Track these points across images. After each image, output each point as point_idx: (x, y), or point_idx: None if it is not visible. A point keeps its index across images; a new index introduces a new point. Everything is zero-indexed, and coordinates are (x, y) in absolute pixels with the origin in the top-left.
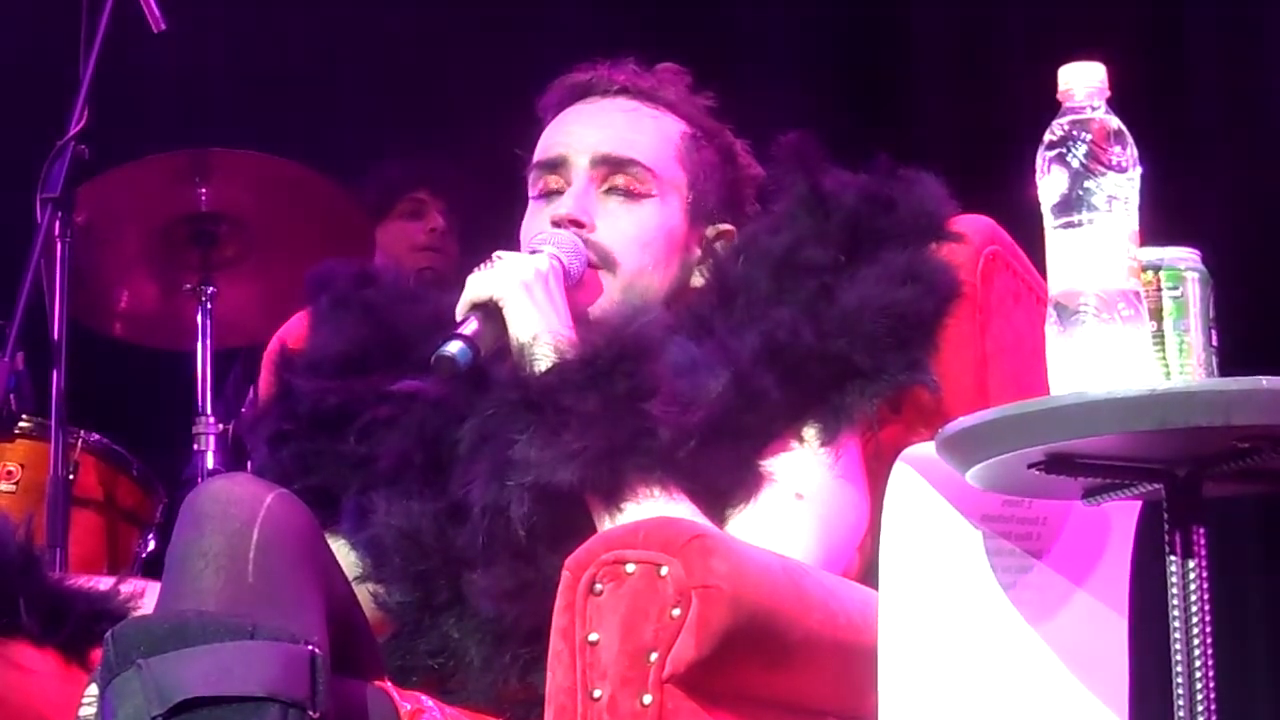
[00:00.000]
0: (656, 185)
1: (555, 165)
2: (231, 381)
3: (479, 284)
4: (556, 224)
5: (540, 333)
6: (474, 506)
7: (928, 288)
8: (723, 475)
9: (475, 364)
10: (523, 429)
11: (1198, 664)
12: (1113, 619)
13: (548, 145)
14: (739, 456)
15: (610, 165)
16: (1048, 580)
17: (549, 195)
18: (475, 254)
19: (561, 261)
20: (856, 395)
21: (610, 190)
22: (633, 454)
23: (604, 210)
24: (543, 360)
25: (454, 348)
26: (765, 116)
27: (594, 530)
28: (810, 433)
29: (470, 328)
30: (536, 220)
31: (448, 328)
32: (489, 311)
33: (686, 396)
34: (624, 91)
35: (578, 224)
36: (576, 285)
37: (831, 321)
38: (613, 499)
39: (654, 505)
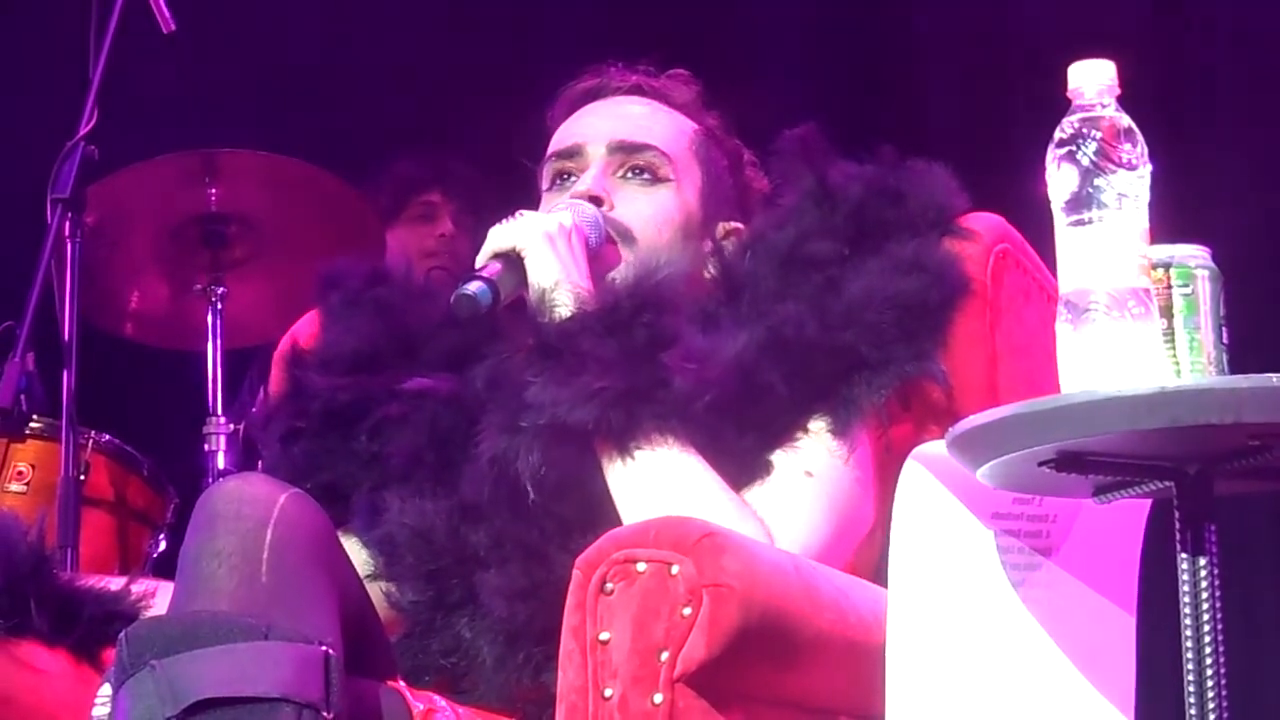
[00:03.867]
0: (673, 171)
1: (571, 154)
2: (246, 383)
3: (501, 234)
4: (576, 199)
5: (561, 281)
6: (483, 457)
7: (934, 278)
8: (733, 457)
9: (494, 309)
10: (538, 372)
11: (1209, 661)
12: (1121, 617)
13: (562, 137)
14: (747, 444)
15: (627, 151)
16: (1056, 578)
17: (564, 184)
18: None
19: (582, 228)
20: (864, 387)
21: (628, 175)
22: (649, 400)
23: (622, 193)
24: (562, 308)
25: (474, 287)
26: (772, 114)
27: (607, 505)
28: (819, 424)
29: (491, 270)
30: (552, 206)
31: (468, 272)
32: (510, 261)
33: (705, 350)
34: (636, 90)
35: (597, 200)
36: (595, 256)
37: (837, 314)
38: (626, 444)
39: (667, 455)
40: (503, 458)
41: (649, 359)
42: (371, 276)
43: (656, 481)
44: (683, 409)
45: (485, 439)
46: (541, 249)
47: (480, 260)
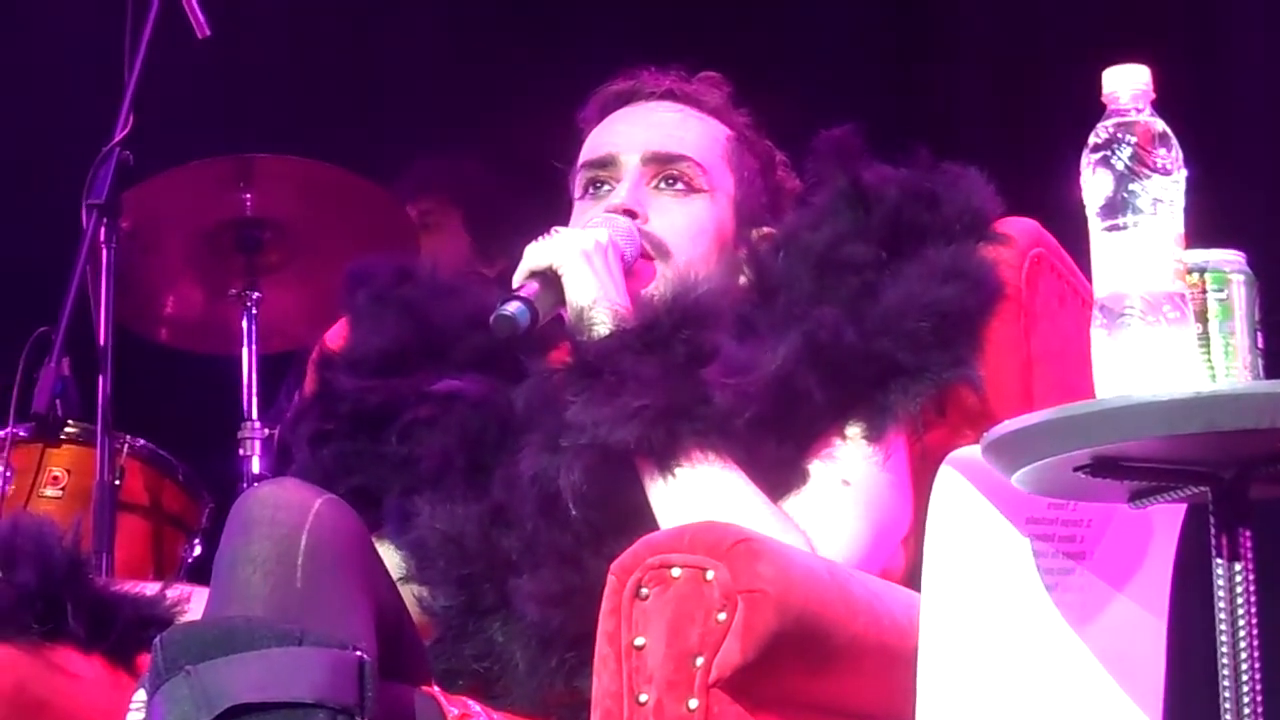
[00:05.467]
0: (707, 181)
1: (604, 164)
2: (283, 389)
3: (538, 252)
4: (610, 213)
5: (599, 299)
6: (523, 476)
7: (971, 285)
8: (770, 467)
9: (533, 328)
10: (579, 391)
11: (1244, 667)
12: (1152, 623)
13: (595, 145)
14: (784, 454)
15: (661, 162)
16: (1089, 583)
17: (597, 193)
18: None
19: (618, 244)
20: (900, 394)
21: (661, 185)
22: (689, 418)
23: (656, 204)
24: (601, 326)
25: (513, 307)
26: (805, 115)
27: (644, 512)
28: (855, 430)
29: (529, 290)
30: (585, 217)
31: (505, 292)
32: (547, 279)
33: (745, 365)
34: (668, 95)
35: (631, 214)
36: (630, 271)
37: (874, 320)
38: (667, 462)
39: (708, 471)
40: (544, 476)
41: (689, 376)
42: (398, 275)
43: (699, 497)
44: (723, 425)
45: (526, 458)
46: (579, 267)
47: (517, 279)
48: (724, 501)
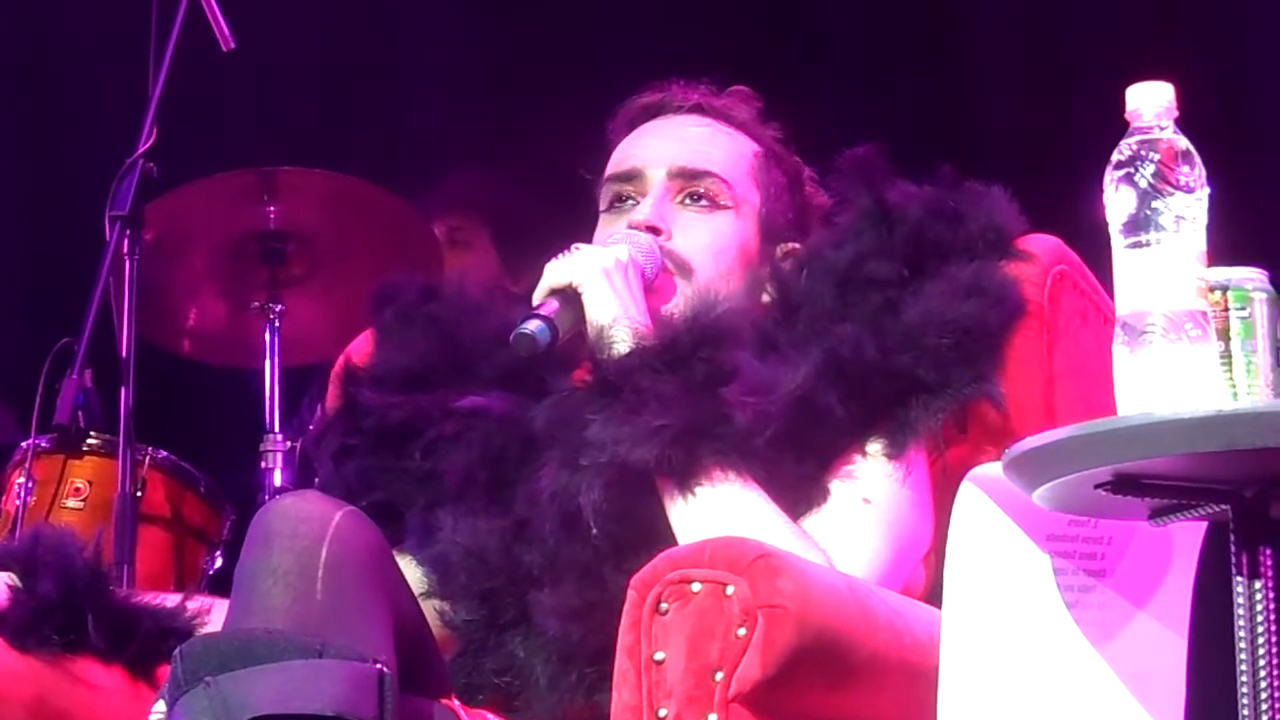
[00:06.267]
0: (732, 198)
1: (630, 177)
2: (306, 401)
3: (558, 270)
4: (633, 229)
5: (619, 317)
6: (544, 493)
7: (994, 301)
8: (791, 484)
9: (553, 346)
10: (598, 410)
11: (1263, 685)
12: (1173, 640)
13: (621, 158)
14: (805, 470)
15: (686, 177)
16: (1110, 601)
17: (622, 207)
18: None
19: (638, 260)
20: (921, 410)
21: (686, 201)
22: (710, 437)
23: (680, 220)
24: (621, 344)
25: (533, 326)
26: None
27: (663, 528)
28: (876, 446)
29: (549, 308)
30: (610, 230)
31: (525, 309)
32: (567, 297)
33: (765, 384)
34: (697, 109)
35: (654, 230)
36: (650, 288)
37: (895, 337)
38: (687, 481)
39: (728, 490)
40: (564, 494)
41: (708, 395)
42: (424, 292)
43: (718, 516)
44: (743, 444)
45: (546, 475)
46: (599, 285)
47: (537, 297)
48: (744, 520)
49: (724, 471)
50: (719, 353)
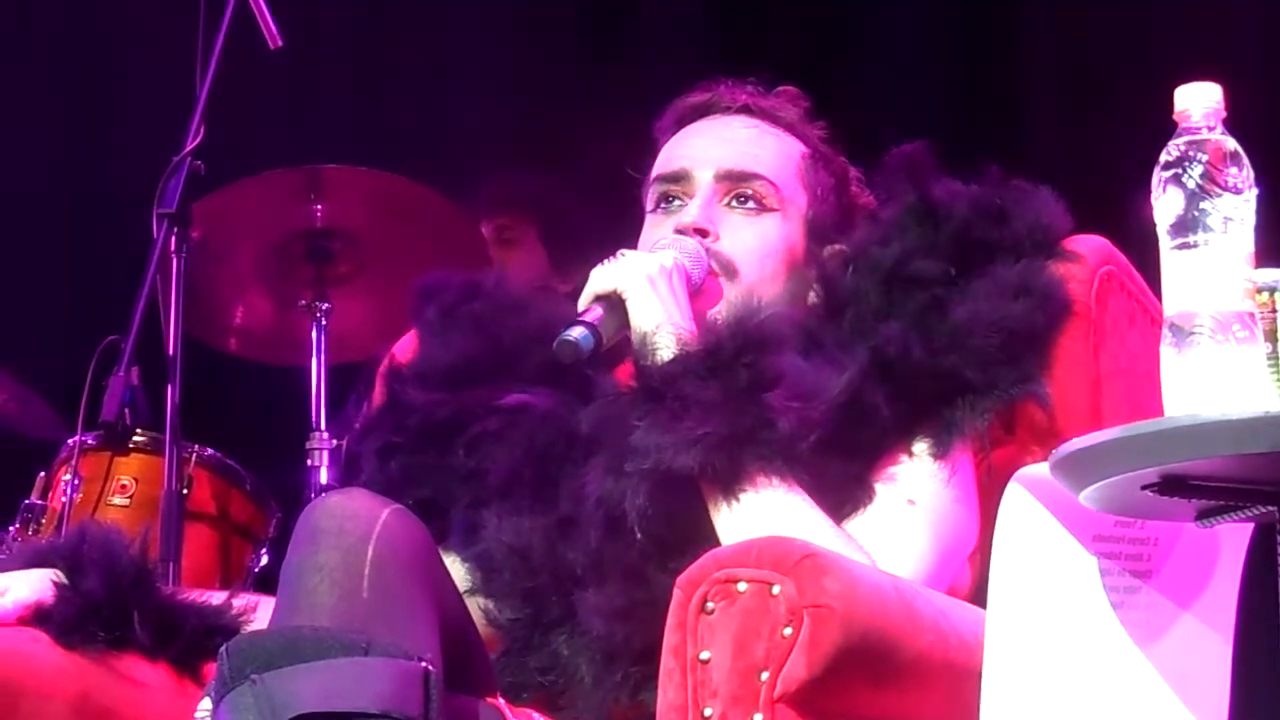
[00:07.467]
0: (779, 200)
1: (678, 178)
2: (352, 399)
3: (603, 276)
4: (680, 232)
5: (663, 323)
6: (589, 498)
7: (1040, 301)
8: (835, 485)
9: (596, 353)
10: (642, 416)
11: None
12: (1217, 642)
13: (669, 159)
14: (850, 470)
15: (734, 179)
16: (1155, 602)
17: (669, 208)
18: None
19: (684, 265)
20: (967, 410)
21: (733, 203)
22: (753, 443)
23: (727, 222)
24: (665, 350)
25: (577, 333)
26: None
27: (708, 529)
28: (921, 446)
29: (594, 315)
30: (657, 231)
31: (569, 308)
32: (612, 303)
33: (809, 390)
34: (745, 110)
35: (702, 233)
36: (697, 292)
37: (942, 336)
38: (731, 487)
39: (772, 495)
40: (609, 499)
41: (752, 401)
42: (467, 290)
43: (763, 522)
44: (787, 449)
45: (591, 481)
46: (643, 291)
47: (582, 303)
48: (788, 523)
49: (767, 477)
50: (762, 358)
